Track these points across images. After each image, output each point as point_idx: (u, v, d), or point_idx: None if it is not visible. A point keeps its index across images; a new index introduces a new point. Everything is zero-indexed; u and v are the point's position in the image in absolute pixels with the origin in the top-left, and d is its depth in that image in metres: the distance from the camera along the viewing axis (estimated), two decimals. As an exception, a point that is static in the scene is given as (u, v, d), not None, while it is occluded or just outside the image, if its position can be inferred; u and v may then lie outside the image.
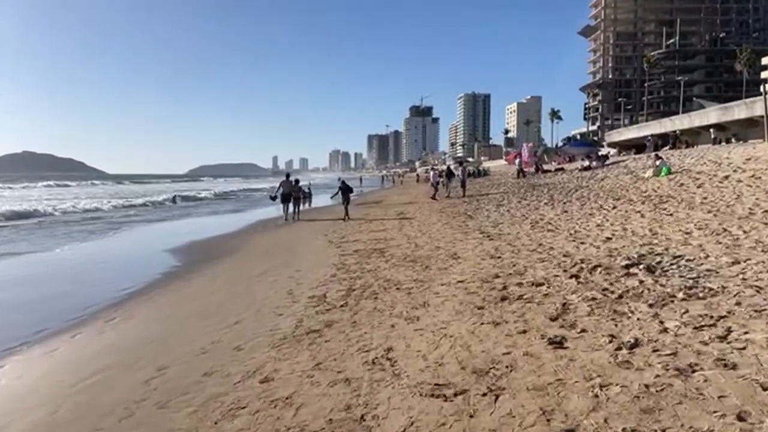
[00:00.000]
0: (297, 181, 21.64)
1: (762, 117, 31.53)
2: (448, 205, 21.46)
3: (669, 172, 19.62)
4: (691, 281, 5.88)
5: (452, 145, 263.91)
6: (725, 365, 3.64)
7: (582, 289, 6.05)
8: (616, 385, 3.52)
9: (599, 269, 6.95)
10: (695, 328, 4.45)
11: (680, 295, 5.40)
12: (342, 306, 6.47)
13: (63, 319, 7.00)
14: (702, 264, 6.69)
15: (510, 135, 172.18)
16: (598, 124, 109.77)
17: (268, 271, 9.60)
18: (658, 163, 20.59)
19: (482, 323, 5.19)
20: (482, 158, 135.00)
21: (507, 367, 4.03)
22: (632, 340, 4.27)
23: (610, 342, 4.29)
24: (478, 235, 11.57)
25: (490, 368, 4.03)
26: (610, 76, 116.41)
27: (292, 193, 20.56)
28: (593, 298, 5.60)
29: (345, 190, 20.53)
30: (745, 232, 8.52)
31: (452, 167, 33.32)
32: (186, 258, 12.14)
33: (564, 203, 16.53)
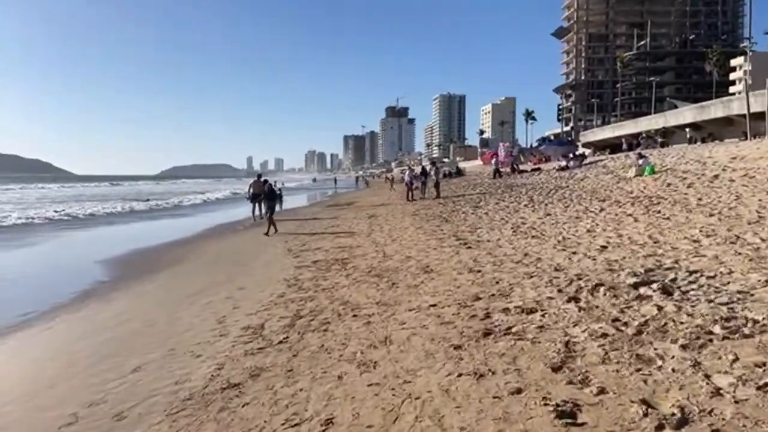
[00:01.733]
0: (266, 182, 20.83)
1: (739, 116, 31.21)
2: (421, 207, 20.12)
3: (653, 172, 18.67)
4: (725, 309, 4.59)
5: (428, 145, 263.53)
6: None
7: (586, 319, 4.71)
8: None
9: (602, 289, 5.64)
10: (759, 387, 3.14)
11: (718, 330, 4.10)
12: (280, 342, 5.02)
13: None
14: (729, 283, 5.44)
15: (485, 136, 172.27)
16: (571, 124, 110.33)
17: (206, 289, 8.07)
18: (641, 162, 19.63)
19: (460, 374, 3.79)
20: (458, 159, 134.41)
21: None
22: (677, 413, 2.93)
23: (646, 415, 2.95)
24: (454, 242, 10.22)
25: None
26: (583, 77, 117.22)
27: (261, 194, 19.94)
28: (604, 334, 4.26)
29: (268, 195, 16.47)
30: (762, 239, 7.34)
31: (427, 167, 32.01)
32: (118, 271, 10.51)
33: (545, 205, 15.34)
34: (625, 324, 4.48)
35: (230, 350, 4.94)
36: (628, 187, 16.87)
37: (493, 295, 5.99)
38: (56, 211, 27.89)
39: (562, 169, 30.96)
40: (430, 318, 5.31)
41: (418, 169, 32.64)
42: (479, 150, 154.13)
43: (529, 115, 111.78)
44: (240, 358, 4.68)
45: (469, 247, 9.45)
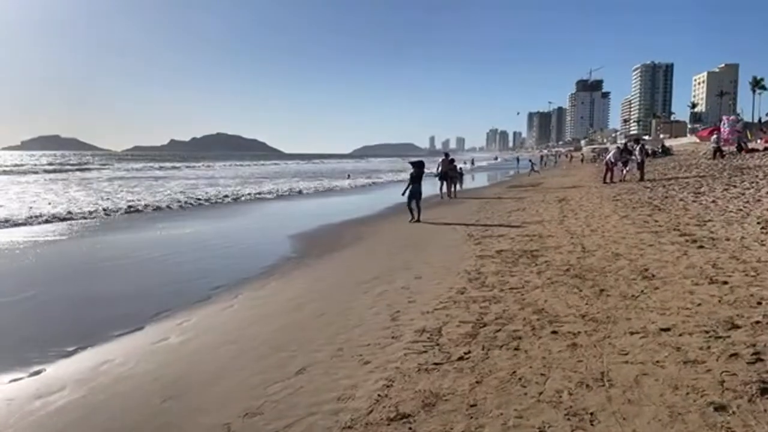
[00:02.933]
0: (453, 160, 22.21)
1: None
2: (623, 191, 17.44)
3: None
4: None
5: (625, 121, 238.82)
6: None
7: None
8: None
9: None
10: None
11: None
12: (461, 359, 4.08)
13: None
14: None
15: (697, 109, 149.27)
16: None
17: (382, 275, 7.51)
18: None
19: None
20: (662, 136, 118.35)
21: None
22: None
23: None
24: (677, 238, 8.19)
25: None
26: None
27: (449, 172, 21.26)
28: None
29: (416, 177, 14.10)
30: None
31: (628, 145, 27.95)
32: (304, 246, 10.68)
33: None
34: None
35: (402, 360, 4.16)
36: None
37: (757, 322, 4.27)
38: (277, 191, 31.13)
39: (815, 147, 24.62)
40: (664, 350, 3.89)
41: (612, 149, 28.72)
42: (689, 126, 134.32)
43: (757, 84, 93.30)
44: (413, 374, 3.87)
45: (701, 247, 7.40)
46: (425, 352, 4.31)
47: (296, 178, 41.42)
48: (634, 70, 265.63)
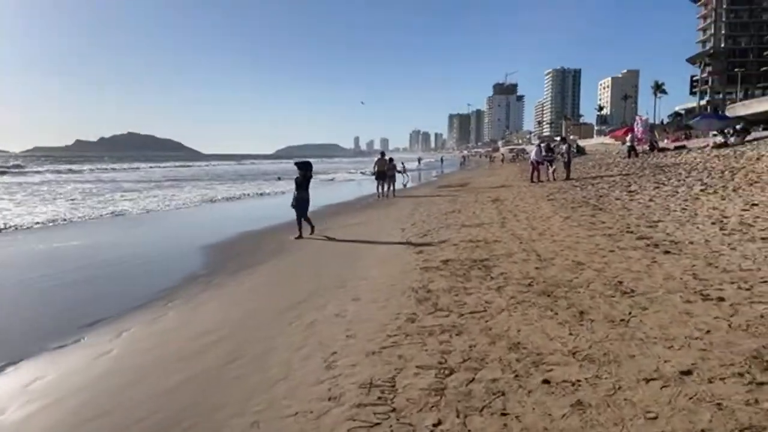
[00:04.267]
0: (391, 159, 21.95)
1: None
2: (554, 191, 17.12)
3: None
4: None
5: (539, 123, 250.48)
6: None
7: None
8: None
9: None
10: None
11: None
12: (429, 438, 2.86)
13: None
14: None
15: (603, 112, 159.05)
16: (707, 98, 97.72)
17: (311, 297, 6.15)
18: None
19: None
20: (572, 137, 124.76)
21: None
22: None
23: None
24: (637, 242, 7.48)
25: None
26: (723, 45, 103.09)
27: (386, 171, 21.04)
28: None
29: (302, 182, 11.23)
30: None
31: (551, 145, 28.23)
32: (217, 260, 9.04)
33: (734, 191, 11.77)
34: None
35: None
36: None
37: (787, 355, 3.38)
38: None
39: (720, 146, 26.00)
40: (702, 408, 2.86)
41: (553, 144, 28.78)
42: (596, 127, 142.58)
43: (658, 88, 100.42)
44: (364, 472, 2.59)
45: (668, 252, 6.68)
46: (378, 425, 3.04)
47: (214, 182, 38.68)
48: (546, 75, 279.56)
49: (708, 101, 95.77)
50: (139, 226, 14.76)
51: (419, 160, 69.87)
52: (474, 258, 7.49)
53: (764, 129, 38.62)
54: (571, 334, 4.17)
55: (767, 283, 4.95)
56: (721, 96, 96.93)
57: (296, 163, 11.60)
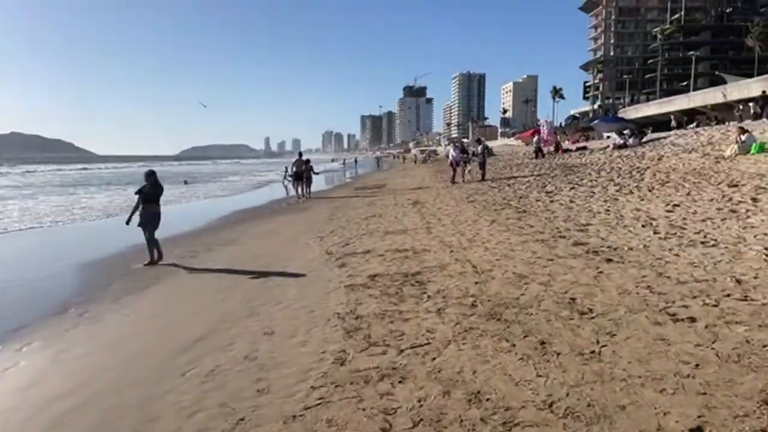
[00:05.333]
0: (308, 161, 21.69)
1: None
2: (473, 192, 16.83)
3: (762, 149, 15.20)
4: None
5: (447, 125, 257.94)
6: None
7: None
8: None
9: None
10: None
11: None
12: None
13: None
14: None
15: (507, 115, 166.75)
16: (599, 102, 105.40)
17: (213, 332, 4.97)
18: (744, 137, 16.07)
19: None
20: (477, 140, 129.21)
21: None
22: None
23: None
24: (574, 249, 7.01)
25: None
26: (612, 54, 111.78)
27: (303, 173, 20.77)
28: None
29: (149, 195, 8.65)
30: None
31: (464, 146, 28.41)
32: (96, 281, 7.49)
33: (650, 190, 11.93)
34: None
35: None
36: (741, 167, 13.41)
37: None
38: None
39: (620, 147, 27.40)
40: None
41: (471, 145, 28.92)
42: (500, 129, 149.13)
43: (557, 93, 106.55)
44: None
45: (610, 260, 6.22)
46: None
47: (108, 186, 35.16)
48: (453, 78, 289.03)
49: (599, 105, 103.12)
50: None
51: (335, 160, 69.24)
52: (404, 271, 6.66)
53: (653, 131, 41.92)
54: (539, 375, 3.41)
55: (730, 296, 4.52)
56: (610, 101, 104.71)
57: (147, 174, 8.86)
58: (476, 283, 5.80)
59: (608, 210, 10.02)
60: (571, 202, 11.83)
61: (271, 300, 5.97)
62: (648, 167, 17.03)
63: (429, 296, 5.45)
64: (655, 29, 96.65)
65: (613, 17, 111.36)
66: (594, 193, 12.86)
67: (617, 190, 12.65)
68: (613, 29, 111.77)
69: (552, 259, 6.54)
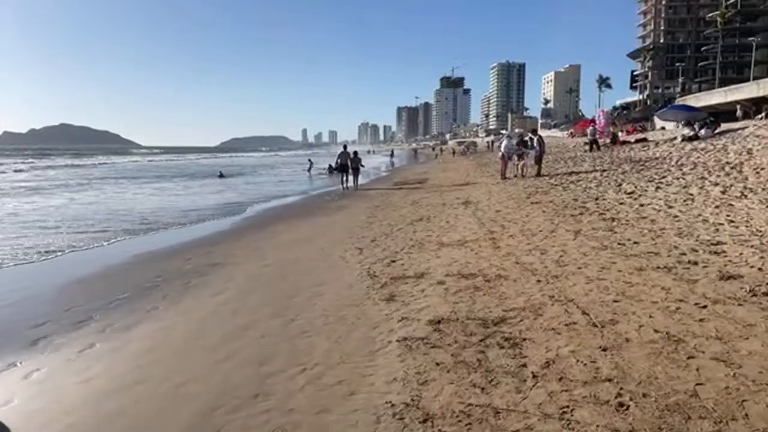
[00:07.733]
0: (355, 153, 21.30)
1: None
2: (531, 190, 14.61)
3: None
4: None
5: (485, 116, 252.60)
6: None
7: None
8: None
9: None
10: None
11: None
12: None
13: None
14: None
15: (548, 106, 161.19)
16: (647, 92, 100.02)
17: (224, 403, 3.13)
18: None
19: None
20: (516, 131, 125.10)
21: None
22: None
23: None
24: (724, 286, 4.87)
25: None
26: (662, 41, 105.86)
27: (350, 164, 20.58)
28: None
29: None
30: None
31: (524, 137, 25.73)
32: (87, 301, 5.79)
33: (765, 192, 9.54)
34: None
35: None
36: None
37: None
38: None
39: (690, 139, 24.47)
40: None
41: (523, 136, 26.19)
42: (540, 121, 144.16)
43: (603, 82, 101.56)
44: None
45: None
46: None
47: (159, 180, 34.31)
48: (492, 68, 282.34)
49: (647, 95, 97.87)
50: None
51: (371, 152, 67.56)
52: (481, 316, 4.66)
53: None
54: None
55: None
56: (660, 90, 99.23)
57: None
58: (603, 350, 3.75)
59: (732, 221, 7.73)
60: (669, 207, 9.53)
61: (291, 362, 4.08)
62: (742, 163, 14.42)
63: (534, 375, 3.45)
64: (709, 15, 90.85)
65: (663, 3, 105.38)
66: (692, 195, 10.50)
67: (722, 192, 10.26)
68: (663, 15, 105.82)
69: (704, 306, 4.41)
